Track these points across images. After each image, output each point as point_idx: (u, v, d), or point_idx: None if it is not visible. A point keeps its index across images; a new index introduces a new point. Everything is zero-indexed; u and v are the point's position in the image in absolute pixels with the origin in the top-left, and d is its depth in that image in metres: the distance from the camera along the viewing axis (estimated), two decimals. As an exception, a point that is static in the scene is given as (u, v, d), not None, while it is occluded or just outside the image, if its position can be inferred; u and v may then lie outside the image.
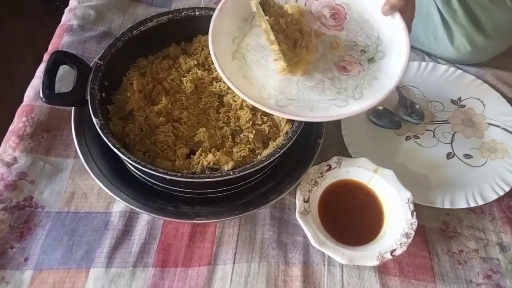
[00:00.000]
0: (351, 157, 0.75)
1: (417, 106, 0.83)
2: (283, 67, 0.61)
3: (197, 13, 0.75)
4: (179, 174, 0.61)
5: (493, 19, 0.85)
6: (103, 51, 0.70)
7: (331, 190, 0.71)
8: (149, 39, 0.74)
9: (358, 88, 0.61)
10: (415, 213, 0.66)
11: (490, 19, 0.85)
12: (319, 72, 0.63)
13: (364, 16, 0.67)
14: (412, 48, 0.92)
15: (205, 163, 0.65)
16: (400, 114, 0.83)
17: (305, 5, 0.68)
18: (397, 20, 0.63)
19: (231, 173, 0.61)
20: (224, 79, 0.59)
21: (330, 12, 0.68)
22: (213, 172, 0.64)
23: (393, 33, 0.64)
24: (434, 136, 0.82)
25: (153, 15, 0.74)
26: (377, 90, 0.60)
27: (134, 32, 0.73)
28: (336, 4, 0.68)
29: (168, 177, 0.60)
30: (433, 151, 0.80)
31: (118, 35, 0.72)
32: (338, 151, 0.76)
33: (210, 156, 0.65)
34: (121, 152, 0.61)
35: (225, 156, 0.66)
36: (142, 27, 0.73)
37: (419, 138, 0.82)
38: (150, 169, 0.60)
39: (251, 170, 0.61)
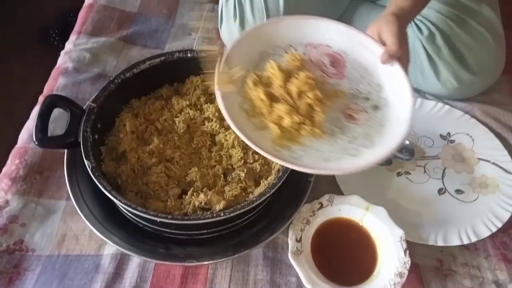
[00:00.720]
0: (343, 194, 0.75)
1: (407, 142, 0.84)
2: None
3: (189, 55, 0.77)
4: (169, 216, 0.61)
5: (477, 56, 0.87)
6: (96, 93, 0.71)
7: (324, 229, 0.71)
8: (142, 80, 0.76)
9: (368, 136, 0.61)
10: (408, 252, 0.66)
11: (474, 56, 0.87)
12: (328, 122, 0.62)
13: (363, 64, 0.68)
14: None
15: (197, 203, 0.65)
16: (391, 151, 0.83)
17: (304, 54, 0.68)
18: (396, 68, 0.64)
19: (222, 214, 0.61)
20: (236, 132, 0.57)
21: (329, 60, 0.68)
22: (204, 213, 0.64)
23: (393, 80, 0.65)
24: (425, 172, 0.83)
25: (146, 58, 0.76)
26: (386, 138, 0.60)
27: (127, 74, 0.74)
28: (334, 52, 0.69)
29: (158, 219, 0.60)
30: (425, 187, 0.81)
31: (111, 78, 0.74)
32: (329, 188, 0.76)
33: (201, 196, 0.65)
34: (111, 194, 0.61)
35: (217, 195, 0.66)
36: (135, 69, 0.75)
37: (410, 174, 0.82)
38: (141, 211, 0.60)
39: (241, 210, 0.62)
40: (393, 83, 0.65)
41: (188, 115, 0.75)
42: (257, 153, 0.69)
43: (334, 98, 0.64)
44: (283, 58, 0.67)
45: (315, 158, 0.58)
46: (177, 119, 0.75)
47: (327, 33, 0.69)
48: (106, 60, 0.93)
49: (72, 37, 0.95)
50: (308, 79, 0.62)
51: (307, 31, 0.69)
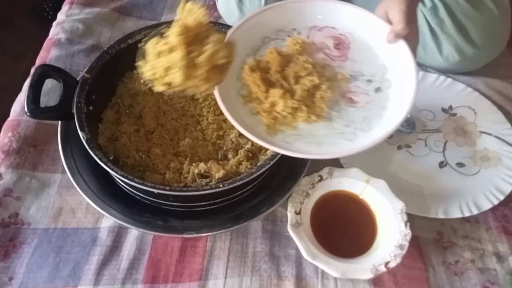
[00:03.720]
0: (342, 167, 0.73)
1: (408, 115, 0.82)
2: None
3: None
4: (167, 188, 0.60)
5: (481, 29, 0.85)
6: (90, 64, 0.69)
7: (323, 202, 0.70)
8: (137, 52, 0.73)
9: (366, 120, 0.60)
10: (408, 224, 0.65)
11: (477, 28, 0.84)
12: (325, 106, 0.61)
13: (368, 44, 0.66)
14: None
15: (196, 171, 0.64)
16: (392, 124, 0.82)
17: (308, 37, 0.67)
18: (402, 47, 0.62)
19: (221, 186, 0.60)
20: (227, 116, 0.57)
21: (334, 43, 0.66)
22: (203, 184, 0.63)
23: (399, 61, 0.63)
24: (426, 145, 0.81)
25: (141, 28, 0.74)
26: (386, 121, 0.59)
27: (122, 45, 0.72)
28: (339, 34, 0.67)
29: (156, 190, 0.59)
30: (426, 160, 0.80)
31: (105, 48, 0.71)
32: (329, 161, 0.74)
33: (201, 164, 0.65)
34: (107, 166, 0.60)
35: (217, 164, 0.65)
36: (130, 40, 0.72)
37: (411, 147, 0.81)
38: (138, 182, 0.59)
39: (241, 182, 0.60)
40: (398, 64, 0.63)
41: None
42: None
43: (334, 81, 0.63)
44: (285, 43, 0.66)
45: (309, 142, 0.58)
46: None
47: (333, 15, 0.67)
48: (100, 32, 0.90)
49: (65, 7, 0.92)
50: (306, 64, 0.61)
51: (311, 13, 0.67)
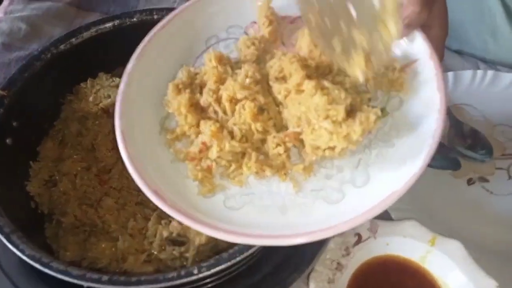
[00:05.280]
0: (391, 219, 0.51)
1: (482, 134, 0.59)
2: None
3: (155, 16, 0.55)
4: (104, 278, 0.36)
5: None
6: (10, 76, 0.51)
7: (365, 275, 0.49)
8: (86, 55, 0.55)
9: (361, 166, 0.36)
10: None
11: None
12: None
13: None
14: (460, 53, 0.71)
15: (166, 234, 0.47)
16: (458, 148, 0.59)
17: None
18: (419, 44, 0.38)
19: (199, 271, 0.39)
20: (129, 168, 0.35)
21: None
22: (168, 266, 0.43)
23: (414, 65, 0.38)
24: (510, 177, 0.58)
25: (90, 22, 0.56)
26: (394, 168, 0.34)
27: (62, 47, 0.54)
28: None
29: (85, 284, 0.36)
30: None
31: (35, 53, 0.53)
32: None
33: (174, 223, 0.47)
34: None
35: None
36: (74, 39, 0.54)
37: (487, 181, 0.58)
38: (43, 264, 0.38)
39: (230, 263, 0.38)
40: (413, 70, 0.38)
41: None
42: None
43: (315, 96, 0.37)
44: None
45: (265, 207, 0.36)
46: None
47: None
48: (50, 33, 0.71)
49: (4, 2, 0.74)
50: (248, 78, 0.37)
51: None
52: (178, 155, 0.38)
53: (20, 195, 0.48)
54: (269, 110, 0.37)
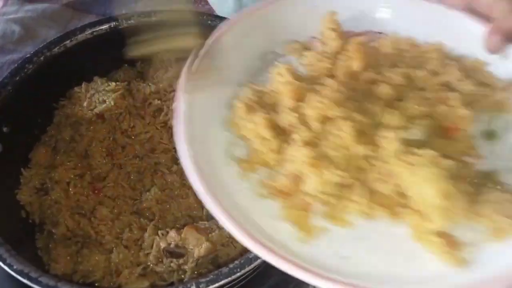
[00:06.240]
0: None
1: None
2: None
3: (153, 18, 0.53)
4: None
5: None
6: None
7: None
8: (81, 58, 0.53)
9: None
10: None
11: None
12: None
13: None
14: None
15: (163, 245, 0.44)
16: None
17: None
18: None
19: (200, 287, 0.37)
20: (208, 205, 0.29)
21: None
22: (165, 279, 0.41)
23: None
24: None
25: (86, 24, 0.55)
26: None
27: (56, 49, 0.52)
28: None
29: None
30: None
31: (28, 55, 0.52)
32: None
33: (172, 233, 0.45)
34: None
35: (196, 232, 0.45)
36: (68, 42, 0.53)
37: None
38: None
39: (228, 279, 0.37)
40: None
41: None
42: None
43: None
44: (304, 60, 0.39)
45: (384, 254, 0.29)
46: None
47: (381, 10, 0.41)
48: (45, 36, 0.68)
49: None
50: (338, 93, 0.32)
51: (343, 10, 0.40)
52: (260, 191, 0.31)
53: (10, 203, 0.46)
54: (370, 133, 0.31)
